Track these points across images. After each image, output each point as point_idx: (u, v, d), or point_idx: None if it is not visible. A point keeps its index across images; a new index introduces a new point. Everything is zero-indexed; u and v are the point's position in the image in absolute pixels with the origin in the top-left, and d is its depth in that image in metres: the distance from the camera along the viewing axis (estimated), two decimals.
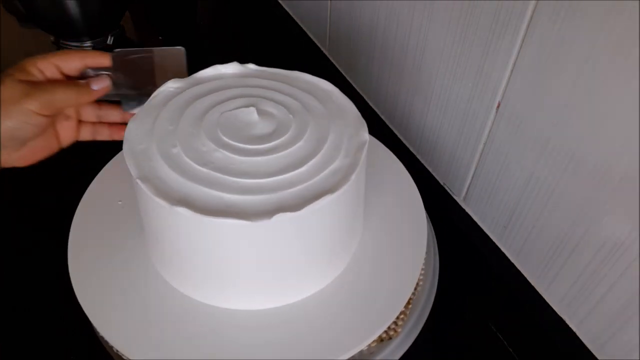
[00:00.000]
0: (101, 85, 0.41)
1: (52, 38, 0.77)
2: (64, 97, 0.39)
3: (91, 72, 0.42)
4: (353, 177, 0.35)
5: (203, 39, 0.86)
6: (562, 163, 0.40)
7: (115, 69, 0.42)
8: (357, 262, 0.42)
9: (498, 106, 0.45)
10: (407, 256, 0.42)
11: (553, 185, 0.42)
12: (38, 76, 0.40)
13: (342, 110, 0.40)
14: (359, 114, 0.40)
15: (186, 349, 0.36)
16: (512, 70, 0.42)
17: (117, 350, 0.37)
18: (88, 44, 0.77)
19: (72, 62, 0.41)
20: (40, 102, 0.38)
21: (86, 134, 0.44)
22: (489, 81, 0.45)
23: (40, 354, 0.43)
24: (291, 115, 0.39)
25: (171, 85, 0.42)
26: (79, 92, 0.40)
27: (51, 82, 0.40)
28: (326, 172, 0.35)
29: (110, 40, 0.79)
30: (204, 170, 0.35)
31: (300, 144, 0.37)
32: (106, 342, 0.40)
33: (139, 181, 0.34)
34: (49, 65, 0.40)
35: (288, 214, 0.32)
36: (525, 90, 0.41)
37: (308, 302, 0.39)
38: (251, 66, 0.44)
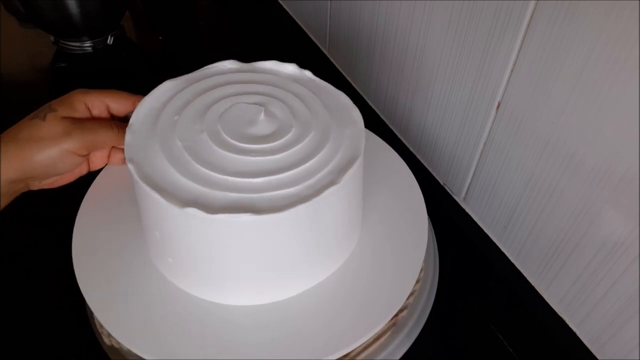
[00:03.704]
0: None
1: (52, 38, 0.78)
2: (105, 139, 0.40)
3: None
4: (352, 170, 0.35)
5: (203, 39, 0.87)
6: (562, 163, 0.40)
7: None
8: (356, 260, 0.42)
9: (498, 106, 0.45)
10: (407, 255, 0.42)
11: (553, 185, 0.42)
12: (83, 113, 0.40)
13: (349, 121, 0.40)
14: (362, 128, 0.40)
15: (186, 342, 0.36)
16: (512, 70, 0.42)
17: (122, 345, 0.38)
18: (88, 44, 0.78)
19: (123, 105, 0.42)
20: (80, 143, 0.38)
21: (117, 160, 0.44)
22: (489, 81, 0.45)
23: (40, 354, 0.43)
24: (293, 120, 0.39)
25: (228, 66, 0.43)
26: (119, 136, 0.40)
27: (95, 122, 0.40)
28: (324, 171, 0.36)
29: (110, 40, 0.79)
30: (201, 167, 0.35)
31: (297, 147, 0.37)
32: (105, 342, 0.40)
33: (130, 165, 0.35)
34: (99, 103, 0.41)
35: (272, 215, 0.33)
36: (525, 90, 0.41)
37: (308, 297, 0.39)
38: (307, 73, 0.44)
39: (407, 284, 0.40)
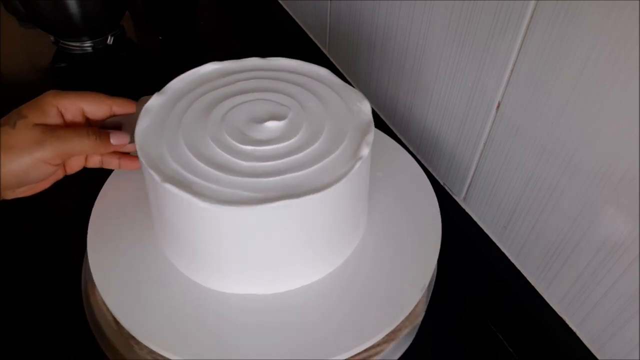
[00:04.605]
0: (120, 141, 0.39)
1: (52, 38, 0.78)
2: (80, 148, 0.37)
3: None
4: (344, 180, 0.36)
5: (203, 40, 0.87)
6: (562, 163, 0.40)
7: (138, 115, 0.40)
8: (366, 257, 0.42)
9: (498, 106, 0.45)
10: (420, 255, 0.42)
11: (553, 185, 0.42)
12: (55, 119, 0.37)
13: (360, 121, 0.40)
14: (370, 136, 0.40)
15: (190, 331, 0.37)
16: (512, 70, 0.42)
17: (122, 344, 0.38)
18: (88, 44, 0.78)
19: (99, 109, 0.39)
20: (53, 152, 0.36)
21: (94, 163, 0.42)
22: (489, 81, 0.45)
23: (40, 354, 0.43)
24: (304, 117, 0.40)
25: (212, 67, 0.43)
26: (96, 144, 0.38)
27: (68, 130, 0.37)
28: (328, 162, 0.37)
29: (110, 40, 0.79)
30: (214, 170, 0.36)
31: (308, 150, 0.38)
32: (105, 342, 0.40)
33: (141, 158, 0.35)
34: (73, 107, 0.38)
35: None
36: (525, 90, 0.41)
37: (318, 288, 0.40)
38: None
39: (420, 285, 0.40)
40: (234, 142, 0.37)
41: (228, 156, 0.36)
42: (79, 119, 0.39)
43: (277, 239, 0.37)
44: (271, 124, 0.38)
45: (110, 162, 0.42)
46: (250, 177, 0.35)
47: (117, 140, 0.39)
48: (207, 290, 0.39)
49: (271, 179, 0.35)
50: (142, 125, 0.38)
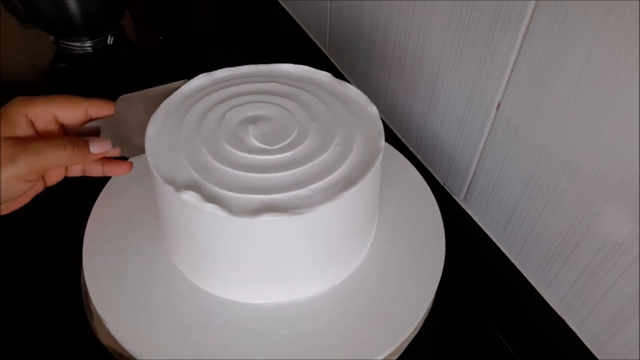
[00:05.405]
0: (101, 149, 0.35)
1: (52, 38, 0.77)
2: (56, 160, 0.33)
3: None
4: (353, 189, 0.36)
5: (203, 40, 0.86)
6: (562, 163, 0.40)
7: (118, 116, 0.37)
8: (373, 267, 0.42)
9: (498, 106, 0.45)
10: (426, 265, 0.43)
11: (553, 185, 0.42)
12: (26, 129, 0.34)
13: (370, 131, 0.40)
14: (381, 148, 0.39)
15: (196, 340, 0.37)
16: (512, 70, 0.42)
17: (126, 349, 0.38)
18: (88, 44, 0.78)
19: (73, 114, 0.36)
20: (27, 168, 0.32)
21: (75, 172, 0.39)
22: (489, 81, 0.45)
23: (40, 354, 0.43)
24: (313, 123, 0.39)
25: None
26: (74, 154, 0.34)
27: (42, 141, 0.33)
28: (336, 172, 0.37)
29: (110, 40, 0.79)
30: (214, 184, 0.36)
31: (317, 160, 0.37)
32: (105, 342, 0.40)
33: (153, 168, 0.35)
34: (43, 114, 0.35)
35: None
36: (525, 90, 0.41)
37: (326, 299, 0.40)
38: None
39: (428, 294, 0.41)
40: (241, 153, 0.37)
41: (235, 170, 0.36)
42: (52, 126, 0.35)
43: (286, 251, 0.36)
44: (278, 133, 0.38)
45: (93, 170, 0.39)
46: (262, 192, 0.35)
47: (97, 148, 0.35)
48: (212, 297, 0.39)
49: (281, 193, 0.35)
50: (151, 134, 0.38)
